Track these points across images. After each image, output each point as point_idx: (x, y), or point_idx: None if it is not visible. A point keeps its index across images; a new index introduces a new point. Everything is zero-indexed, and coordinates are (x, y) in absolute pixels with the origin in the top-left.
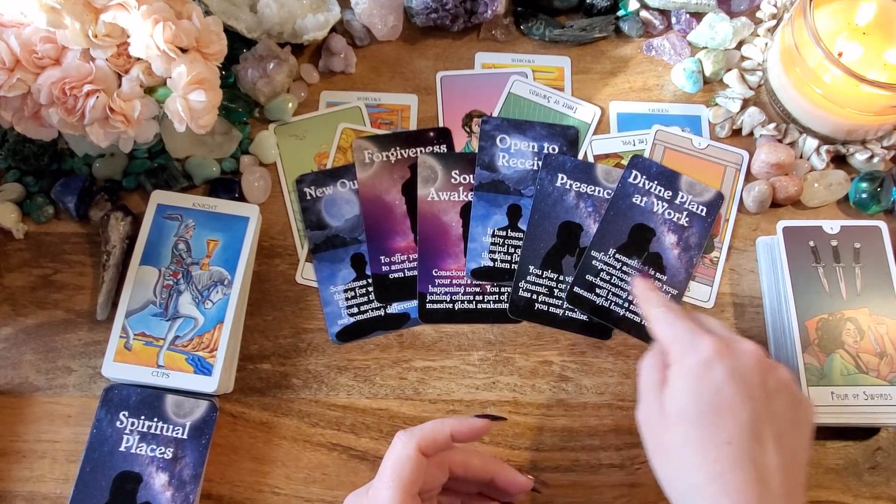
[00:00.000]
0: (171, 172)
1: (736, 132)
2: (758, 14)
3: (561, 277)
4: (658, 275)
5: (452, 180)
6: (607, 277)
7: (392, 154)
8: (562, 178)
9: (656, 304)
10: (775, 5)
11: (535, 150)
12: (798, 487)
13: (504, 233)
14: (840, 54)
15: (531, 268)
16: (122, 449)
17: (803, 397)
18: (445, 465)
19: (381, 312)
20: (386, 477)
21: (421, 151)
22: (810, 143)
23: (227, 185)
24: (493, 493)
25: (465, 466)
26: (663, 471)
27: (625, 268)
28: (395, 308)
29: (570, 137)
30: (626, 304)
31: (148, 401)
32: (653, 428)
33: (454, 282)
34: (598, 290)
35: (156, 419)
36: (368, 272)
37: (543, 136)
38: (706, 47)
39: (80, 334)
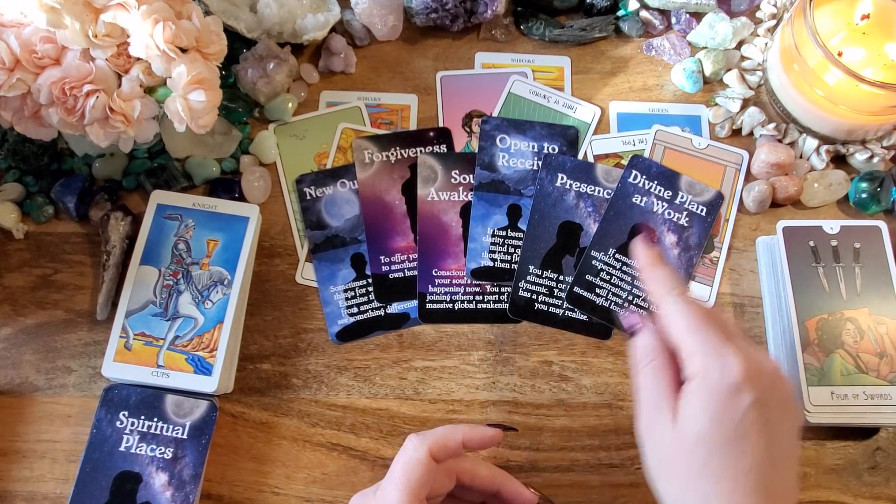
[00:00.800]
0: (171, 172)
1: (736, 132)
2: (758, 14)
3: (561, 277)
4: None
5: (452, 180)
6: (607, 277)
7: (392, 154)
8: (562, 178)
9: (669, 289)
10: (775, 5)
11: (535, 150)
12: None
13: (504, 233)
14: (840, 54)
15: (531, 268)
16: (121, 449)
17: (797, 404)
18: (453, 473)
19: (381, 312)
20: (395, 478)
21: (421, 151)
22: (810, 143)
23: (227, 185)
24: None
25: (473, 475)
26: (669, 492)
27: (625, 268)
28: (395, 308)
29: (569, 137)
30: (626, 304)
31: (148, 401)
32: (663, 445)
33: (454, 282)
34: (598, 290)
35: (156, 419)
36: (368, 272)
37: (543, 136)
38: (706, 47)
39: (80, 334)
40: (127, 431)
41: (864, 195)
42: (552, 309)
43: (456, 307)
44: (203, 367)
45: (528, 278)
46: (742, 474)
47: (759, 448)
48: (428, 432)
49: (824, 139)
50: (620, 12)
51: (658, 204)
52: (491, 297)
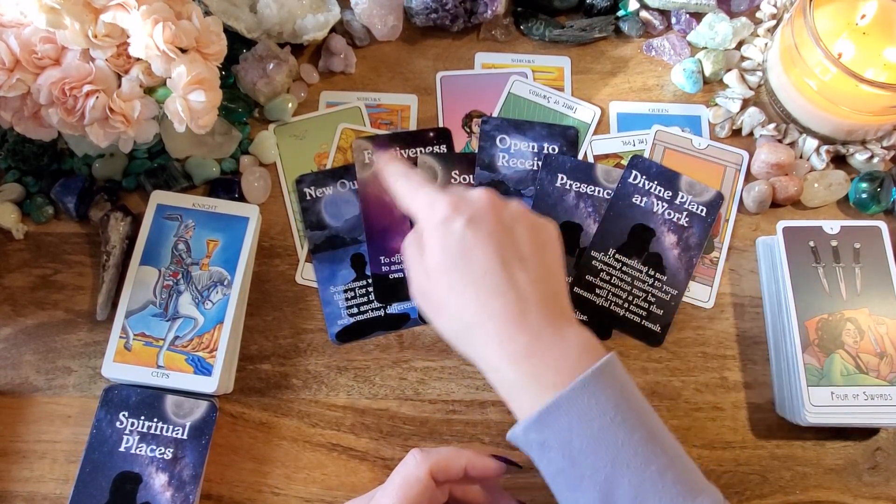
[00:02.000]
0: (171, 172)
1: (736, 132)
2: (757, 14)
3: None
4: (658, 275)
5: (452, 180)
6: (607, 277)
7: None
8: (562, 179)
9: (398, 175)
10: (775, 5)
11: (535, 150)
12: (557, 295)
13: None
14: (840, 54)
15: None
16: (121, 449)
17: (542, 221)
18: (447, 487)
19: (381, 312)
20: (392, 491)
21: (421, 151)
22: (810, 143)
23: (227, 186)
24: None
25: (465, 490)
26: (443, 325)
27: (625, 268)
28: (394, 308)
29: (569, 137)
30: (626, 304)
31: (148, 401)
32: (424, 294)
33: None
34: (598, 290)
35: (156, 419)
36: (368, 272)
37: (543, 136)
38: (706, 47)
39: (80, 334)
40: (127, 432)
41: (864, 195)
42: None
43: None
44: (203, 368)
45: None
46: (478, 278)
47: (486, 256)
48: (432, 450)
49: (824, 139)
50: (620, 12)
51: (658, 204)
52: None
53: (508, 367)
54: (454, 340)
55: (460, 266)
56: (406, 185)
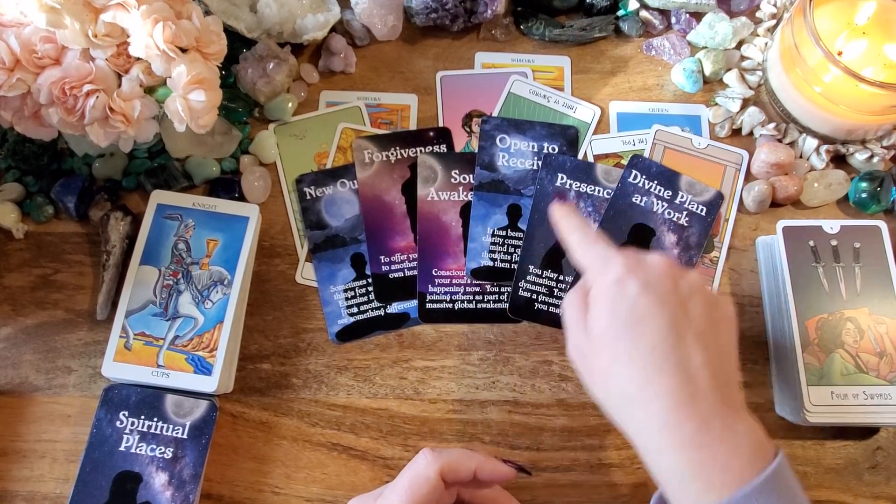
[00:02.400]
0: (171, 172)
1: (736, 132)
2: (757, 14)
3: (561, 277)
4: None
5: (452, 180)
6: None
7: (392, 154)
8: (561, 178)
9: (573, 229)
10: (775, 5)
11: (535, 149)
12: (729, 382)
13: (504, 232)
14: (840, 53)
15: (531, 267)
16: (121, 449)
17: (719, 298)
18: (455, 489)
19: (381, 312)
20: (401, 490)
21: (421, 151)
22: (810, 143)
23: (227, 185)
24: None
25: (472, 493)
26: (600, 392)
27: None
28: (394, 308)
29: (569, 137)
30: None
31: (148, 400)
32: (584, 356)
33: (454, 282)
34: None
35: (156, 419)
36: (368, 272)
37: (543, 136)
38: (706, 47)
39: (80, 334)
40: (127, 431)
41: (863, 195)
42: (552, 309)
43: (456, 307)
44: (203, 367)
45: (528, 278)
46: (647, 352)
47: (659, 328)
48: (443, 451)
49: (824, 139)
50: (620, 12)
51: (658, 204)
52: (491, 297)
53: (671, 455)
54: (609, 409)
55: (629, 335)
56: (580, 237)
